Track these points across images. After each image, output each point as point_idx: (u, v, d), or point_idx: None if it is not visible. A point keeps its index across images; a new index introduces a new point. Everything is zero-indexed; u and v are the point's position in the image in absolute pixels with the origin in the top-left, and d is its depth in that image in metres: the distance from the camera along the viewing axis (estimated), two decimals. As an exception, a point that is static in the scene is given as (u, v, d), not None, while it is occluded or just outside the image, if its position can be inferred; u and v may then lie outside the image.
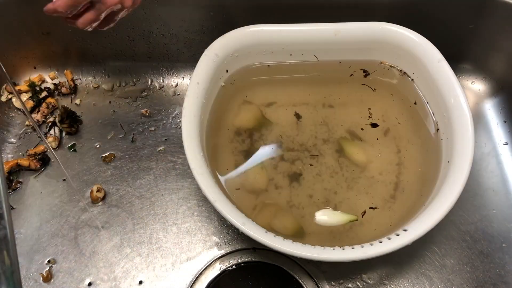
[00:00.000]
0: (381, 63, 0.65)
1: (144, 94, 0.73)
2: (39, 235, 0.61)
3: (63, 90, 0.72)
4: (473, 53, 0.71)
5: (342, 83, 0.65)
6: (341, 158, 0.60)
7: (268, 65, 0.65)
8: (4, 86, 0.71)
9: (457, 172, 0.51)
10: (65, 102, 0.72)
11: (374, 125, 0.62)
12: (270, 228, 0.54)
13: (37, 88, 0.71)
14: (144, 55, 0.73)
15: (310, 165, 0.59)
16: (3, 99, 0.71)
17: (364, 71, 0.65)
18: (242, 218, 0.49)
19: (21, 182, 0.65)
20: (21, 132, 0.69)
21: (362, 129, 0.62)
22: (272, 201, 0.57)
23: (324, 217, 0.55)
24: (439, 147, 0.58)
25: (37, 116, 0.69)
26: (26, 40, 0.70)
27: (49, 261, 0.59)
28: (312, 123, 0.63)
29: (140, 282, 0.58)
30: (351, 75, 0.65)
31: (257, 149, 0.60)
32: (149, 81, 0.74)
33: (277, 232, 0.50)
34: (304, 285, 0.57)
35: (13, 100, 0.71)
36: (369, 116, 0.63)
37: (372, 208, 0.56)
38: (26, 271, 0.59)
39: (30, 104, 0.70)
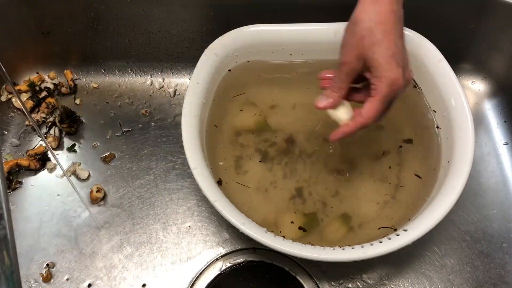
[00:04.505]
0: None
1: (144, 94, 0.73)
2: (39, 235, 0.61)
3: (63, 90, 0.72)
4: (473, 53, 0.71)
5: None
6: (341, 159, 0.60)
7: (268, 65, 0.65)
8: (4, 86, 0.71)
9: (457, 172, 0.51)
10: (65, 102, 0.72)
11: (375, 125, 0.62)
12: (275, 225, 0.54)
13: (37, 88, 0.71)
14: (144, 55, 0.73)
15: (309, 164, 0.59)
16: (3, 99, 0.71)
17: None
18: (242, 218, 0.49)
19: (21, 182, 0.65)
20: (21, 132, 0.69)
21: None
22: (273, 200, 0.57)
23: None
24: (439, 147, 0.58)
25: (37, 116, 0.69)
26: (26, 40, 0.70)
27: (48, 263, 0.59)
28: (313, 123, 0.62)
29: (141, 284, 0.58)
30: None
31: (257, 149, 0.60)
32: (149, 81, 0.74)
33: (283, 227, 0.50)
34: (304, 285, 0.57)
35: (13, 100, 0.71)
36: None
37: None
38: (26, 271, 0.59)
39: (30, 104, 0.70)
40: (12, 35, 0.68)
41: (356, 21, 0.46)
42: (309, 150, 0.60)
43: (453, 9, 0.66)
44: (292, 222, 0.55)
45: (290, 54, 0.64)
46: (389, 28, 0.44)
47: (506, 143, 0.68)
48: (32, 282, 0.58)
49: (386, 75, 0.44)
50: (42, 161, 0.66)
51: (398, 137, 0.61)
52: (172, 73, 0.75)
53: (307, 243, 0.49)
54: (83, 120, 0.70)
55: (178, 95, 0.73)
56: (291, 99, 0.64)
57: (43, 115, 0.69)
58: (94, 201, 0.63)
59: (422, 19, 0.65)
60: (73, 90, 0.73)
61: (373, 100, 0.46)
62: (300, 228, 0.54)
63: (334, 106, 0.50)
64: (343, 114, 0.50)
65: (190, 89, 0.56)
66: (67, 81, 0.73)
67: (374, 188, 0.58)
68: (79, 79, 0.74)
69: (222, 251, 0.60)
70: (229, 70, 0.63)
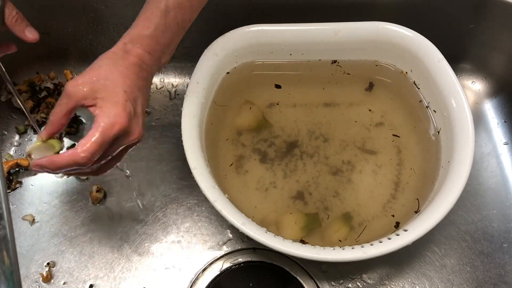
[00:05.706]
0: (381, 62, 0.65)
1: (144, 94, 0.73)
2: (39, 235, 0.61)
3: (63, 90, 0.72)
4: (473, 53, 0.71)
5: (342, 83, 0.65)
6: (342, 159, 0.60)
7: (268, 65, 0.65)
8: (4, 86, 0.71)
9: (457, 172, 0.51)
10: (65, 102, 0.72)
11: (375, 125, 0.62)
12: (276, 225, 0.54)
13: (37, 88, 0.71)
14: (144, 55, 0.73)
15: (309, 164, 0.59)
16: (3, 99, 0.71)
17: (364, 71, 0.65)
18: (242, 218, 0.49)
19: (20, 182, 0.65)
20: (21, 132, 0.69)
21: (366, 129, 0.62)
22: (274, 200, 0.57)
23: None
24: (439, 147, 0.58)
25: (37, 116, 0.69)
26: (26, 40, 0.70)
27: (49, 262, 0.59)
28: (313, 123, 0.63)
29: (142, 284, 0.58)
30: (351, 75, 0.65)
31: (257, 149, 0.60)
32: (149, 81, 0.74)
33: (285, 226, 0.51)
34: (304, 285, 0.57)
35: (13, 100, 0.71)
36: (369, 116, 0.63)
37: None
38: (26, 271, 0.59)
39: (30, 104, 0.70)
40: (12, 35, 0.68)
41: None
42: (309, 150, 0.61)
43: (452, 9, 0.66)
44: (294, 223, 0.55)
45: (290, 54, 0.64)
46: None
47: (506, 143, 0.68)
48: (32, 282, 0.58)
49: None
50: (42, 161, 0.66)
51: (398, 137, 0.61)
52: (172, 73, 0.74)
53: (309, 243, 0.49)
54: (83, 120, 0.70)
55: (178, 95, 0.73)
56: (291, 99, 0.64)
57: (43, 115, 0.69)
58: (94, 201, 0.63)
59: (422, 19, 0.65)
60: (73, 90, 0.73)
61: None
62: (301, 228, 0.55)
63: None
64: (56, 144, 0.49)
65: (190, 89, 0.56)
66: (67, 81, 0.73)
67: (375, 188, 0.58)
68: (79, 79, 0.74)
69: (222, 251, 0.60)
70: (229, 71, 0.63)
